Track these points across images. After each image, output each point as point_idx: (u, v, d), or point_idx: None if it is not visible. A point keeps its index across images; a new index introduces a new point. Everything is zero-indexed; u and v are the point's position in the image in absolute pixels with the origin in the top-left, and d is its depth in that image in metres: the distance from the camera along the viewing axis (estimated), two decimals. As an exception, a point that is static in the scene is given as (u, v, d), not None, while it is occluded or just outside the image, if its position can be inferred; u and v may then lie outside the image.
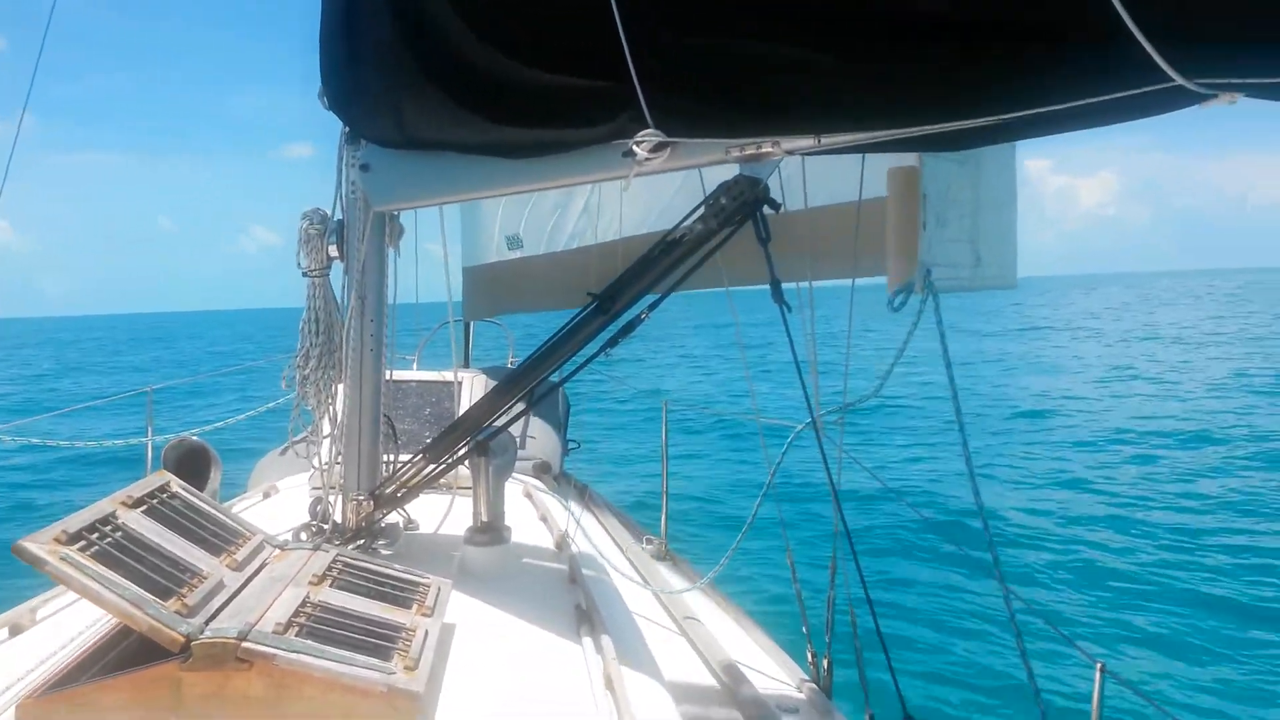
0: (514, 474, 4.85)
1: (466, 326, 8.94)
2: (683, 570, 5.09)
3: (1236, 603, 8.31)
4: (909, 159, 2.98)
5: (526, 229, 7.67)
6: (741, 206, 2.20)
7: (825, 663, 3.70)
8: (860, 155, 3.37)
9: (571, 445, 6.93)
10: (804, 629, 3.79)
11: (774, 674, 3.77)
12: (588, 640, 2.49)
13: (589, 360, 2.55)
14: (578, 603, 2.81)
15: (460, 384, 5.22)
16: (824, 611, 3.67)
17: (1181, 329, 44.20)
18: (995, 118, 1.63)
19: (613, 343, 2.44)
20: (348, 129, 3.06)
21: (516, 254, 7.88)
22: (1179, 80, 1.38)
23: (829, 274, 3.55)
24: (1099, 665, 2.13)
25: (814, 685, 3.65)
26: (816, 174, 3.49)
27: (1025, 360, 32.44)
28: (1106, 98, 1.49)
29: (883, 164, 3.27)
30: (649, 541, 5.37)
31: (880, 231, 3.22)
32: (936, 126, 1.70)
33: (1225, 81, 1.40)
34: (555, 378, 2.77)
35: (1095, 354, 35.01)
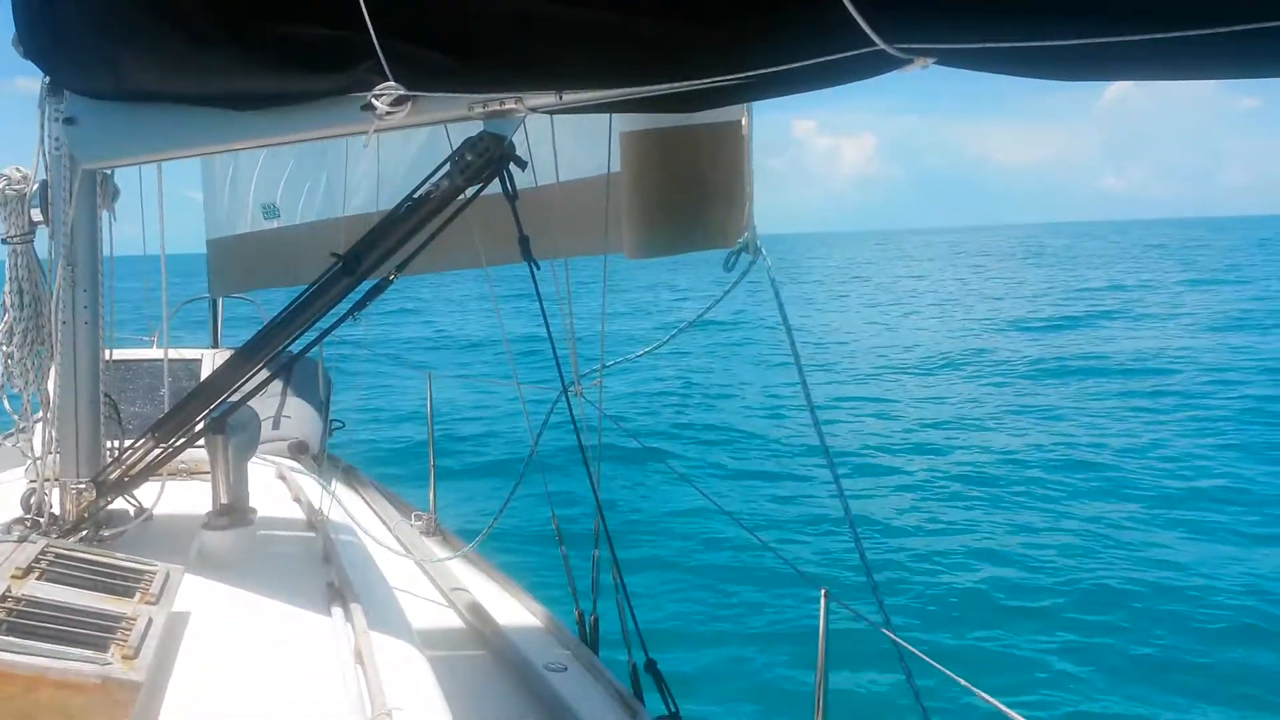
0: (267, 455, 4.60)
1: (214, 303, 8.31)
2: (452, 544, 5.03)
3: (949, 529, 9.38)
4: (734, 119, 3.07)
5: (285, 198, 7.20)
6: (488, 164, 2.18)
7: (592, 620, 3.80)
8: (609, 126, 3.45)
9: (336, 425, 6.64)
10: (571, 590, 3.87)
11: (542, 636, 3.82)
12: (338, 616, 2.41)
13: (337, 323, 2.44)
14: (330, 581, 2.71)
15: (202, 362, 4.86)
16: (590, 572, 3.76)
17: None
18: (722, 78, 1.68)
19: (361, 305, 2.36)
20: (48, 79, 2.75)
21: (274, 224, 7.39)
22: (880, 45, 1.43)
23: (585, 249, 3.59)
24: (823, 591, 2.30)
25: (581, 642, 3.74)
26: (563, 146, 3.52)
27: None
28: (818, 60, 1.55)
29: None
30: (418, 518, 5.27)
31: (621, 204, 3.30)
32: (671, 86, 1.75)
33: (922, 46, 1.45)
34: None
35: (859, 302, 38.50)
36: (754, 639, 6.96)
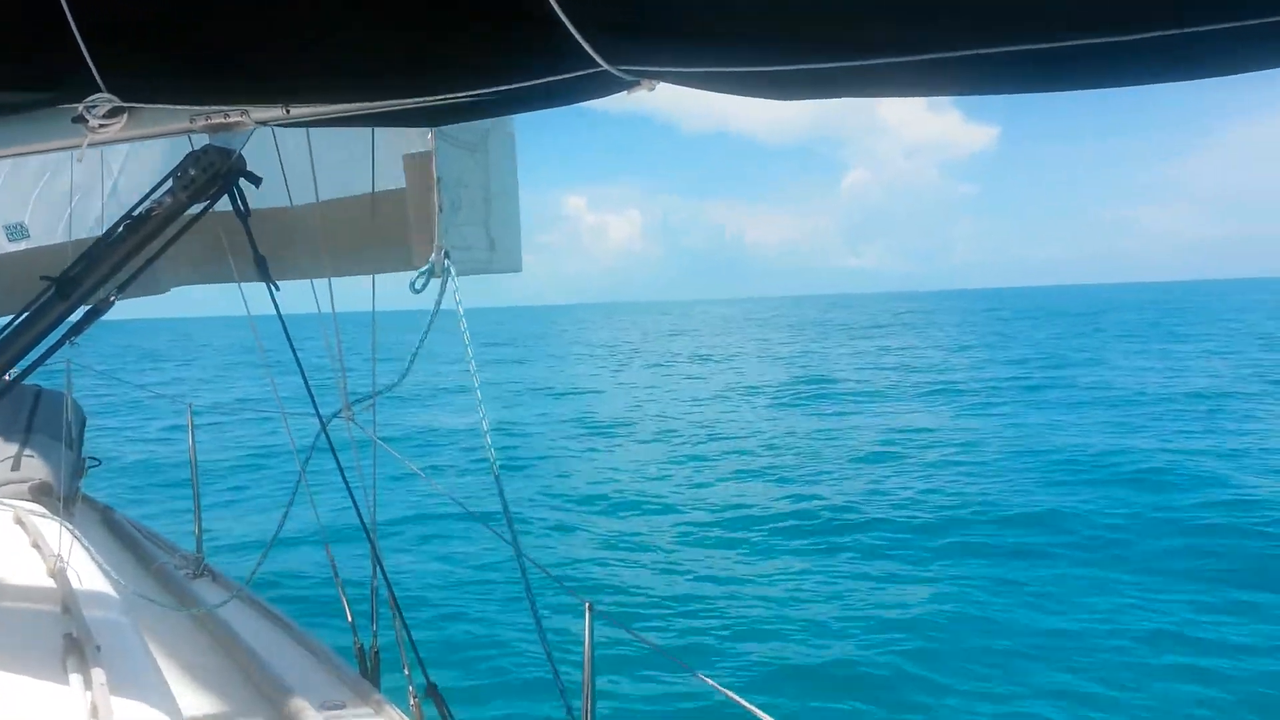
0: (5, 499, 4.17)
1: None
2: (223, 586, 4.72)
3: (703, 544, 9.86)
4: (420, 144, 3.03)
5: (34, 217, 6.54)
6: (214, 179, 2.07)
7: (372, 653, 3.67)
8: (371, 145, 3.37)
9: (90, 463, 6.09)
10: (349, 623, 3.72)
11: (320, 675, 3.65)
12: (75, 672, 2.21)
13: (50, 351, 2.24)
14: (69, 633, 2.48)
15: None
16: (369, 604, 3.63)
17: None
18: (450, 96, 1.67)
19: (77, 330, 2.18)
20: None
21: (21, 245, 6.69)
22: (605, 66, 1.44)
23: (350, 269, 3.48)
24: (587, 604, 2.34)
25: (361, 677, 3.60)
26: (332, 166, 3.41)
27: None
28: (546, 80, 1.55)
29: (398, 152, 3.29)
30: (183, 559, 4.90)
31: (400, 223, 3.24)
32: (398, 102, 1.73)
33: (646, 69, 1.47)
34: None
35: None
36: (530, 654, 7.14)
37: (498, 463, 2.51)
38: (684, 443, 17.09)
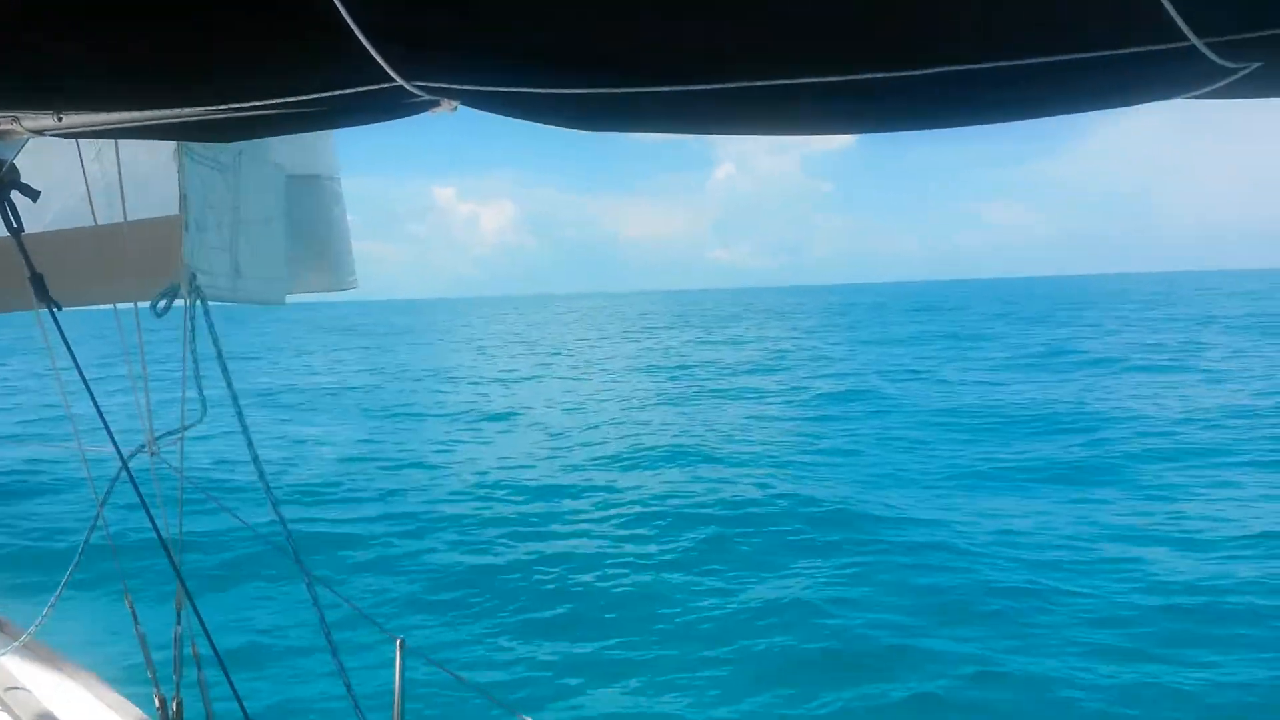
0: None
1: None
2: (10, 633, 4.34)
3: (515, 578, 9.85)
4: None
5: None
6: None
7: (175, 705, 3.45)
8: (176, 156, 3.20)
9: None
10: (150, 674, 3.49)
11: None
12: None
13: None
14: None
15: None
16: (171, 651, 3.42)
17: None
18: (232, 108, 1.59)
19: None
20: None
21: None
22: (400, 82, 1.36)
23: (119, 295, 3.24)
24: (399, 641, 2.30)
25: None
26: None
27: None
28: (337, 94, 1.46)
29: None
30: (-36, 608, 4.48)
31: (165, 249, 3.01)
32: (174, 113, 1.62)
33: (446, 87, 1.39)
34: None
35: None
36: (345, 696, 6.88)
37: (274, 492, 2.42)
38: (521, 461, 16.82)
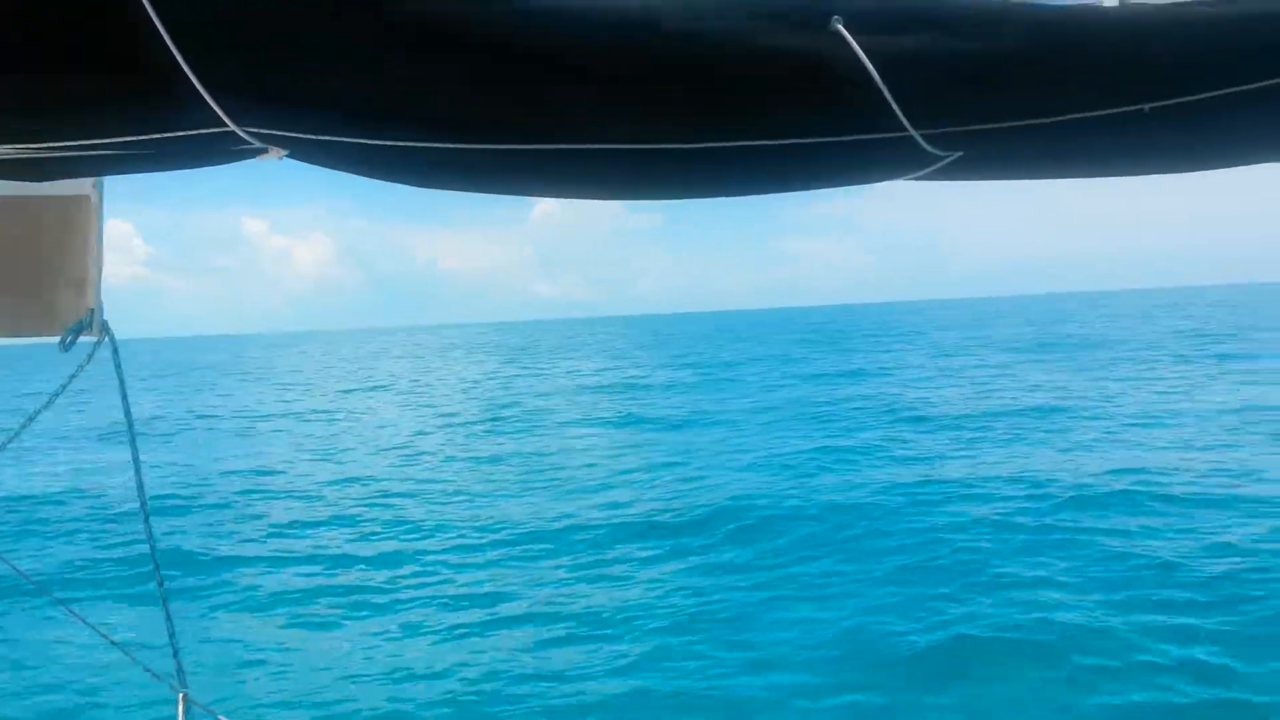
0: None
1: None
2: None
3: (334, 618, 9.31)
4: (83, 188, 2.71)
5: None
6: None
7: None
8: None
9: None
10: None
11: None
12: None
13: None
14: None
15: None
16: None
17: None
18: (48, 147, 1.54)
19: None
20: None
21: None
22: (231, 126, 1.35)
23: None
24: (181, 695, 2.32)
25: None
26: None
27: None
28: (163, 137, 1.44)
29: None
30: None
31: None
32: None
33: (277, 134, 1.39)
34: None
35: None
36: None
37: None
38: (319, 498, 15.85)
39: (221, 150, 1.46)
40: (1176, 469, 13.54)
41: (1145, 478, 13.06)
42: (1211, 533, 10.13)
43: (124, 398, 2.54)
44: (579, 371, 45.28)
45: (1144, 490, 12.34)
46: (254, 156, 1.49)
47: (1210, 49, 1.49)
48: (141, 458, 2.55)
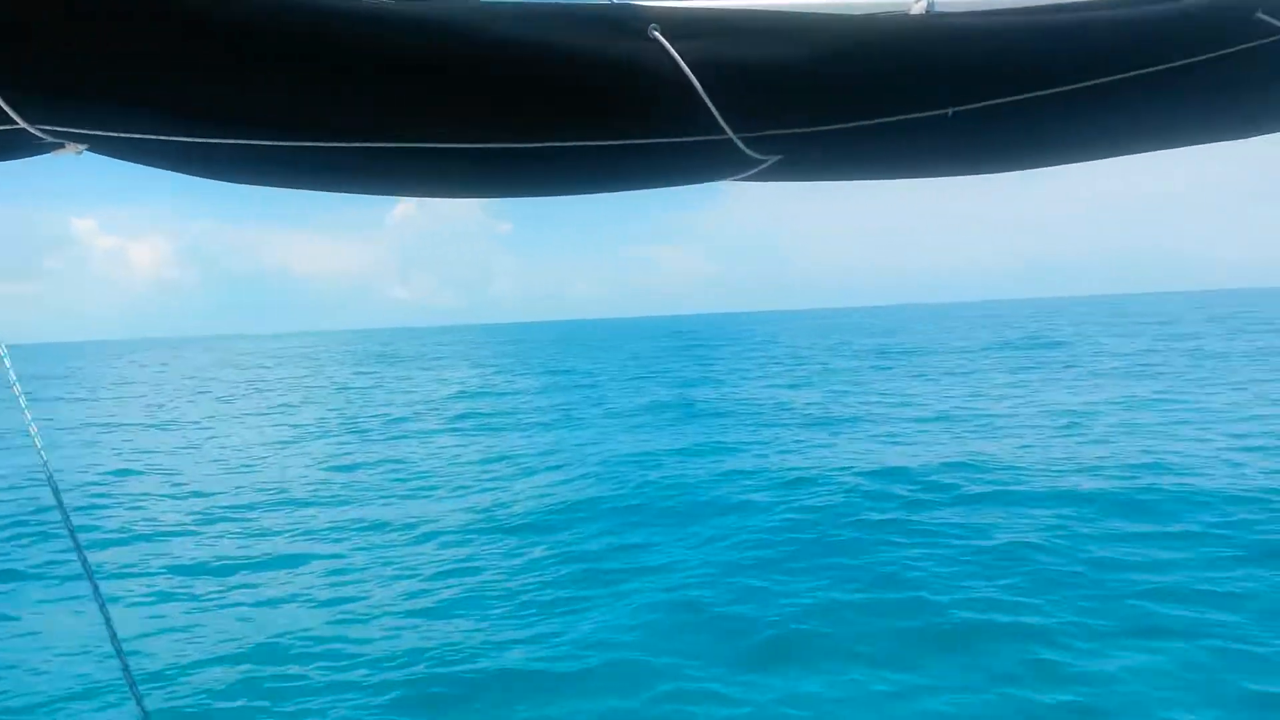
0: None
1: None
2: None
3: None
4: None
5: None
6: None
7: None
8: None
9: None
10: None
11: None
12: None
13: None
14: None
15: None
16: None
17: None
18: None
19: None
20: None
21: None
22: (21, 124, 1.33)
23: None
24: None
25: None
26: None
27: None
28: None
29: None
30: None
31: None
32: None
33: (72, 131, 1.36)
34: None
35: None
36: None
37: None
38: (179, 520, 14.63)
39: (18, 145, 1.40)
40: (1002, 463, 14.57)
41: (972, 473, 13.95)
42: (1026, 522, 10.90)
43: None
44: (440, 380, 44.15)
45: (973, 482, 13.20)
46: (49, 151, 1.44)
47: (1012, 56, 1.57)
48: None
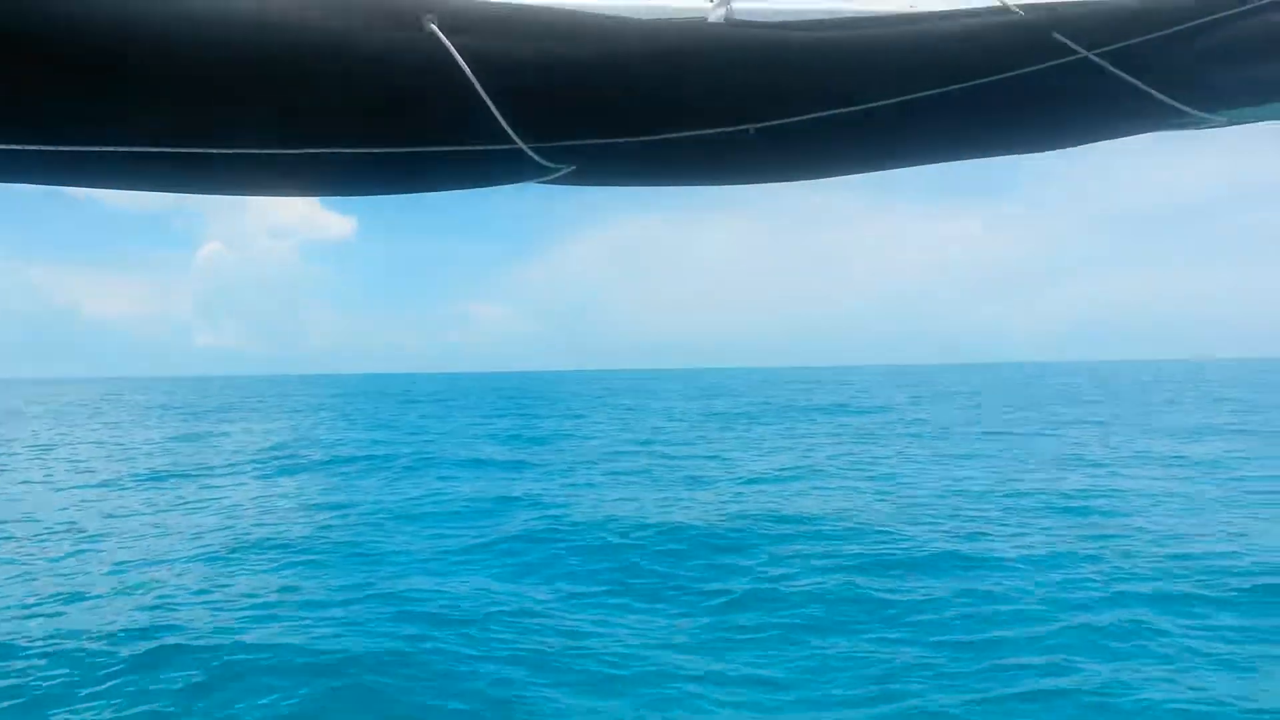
0: None
1: None
2: None
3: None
4: None
5: None
6: None
7: None
8: None
9: None
10: None
11: None
12: None
13: None
14: None
15: None
16: None
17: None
18: None
19: None
20: None
21: None
22: None
23: None
24: None
25: None
26: None
27: None
28: None
29: None
30: None
31: None
32: None
33: None
34: None
35: None
36: None
37: None
38: None
39: None
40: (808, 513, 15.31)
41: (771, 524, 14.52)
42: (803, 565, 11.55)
43: None
44: (245, 432, 41.40)
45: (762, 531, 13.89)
46: None
47: (813, 72, 1.53)
48: None
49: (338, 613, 10.10)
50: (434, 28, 1.34)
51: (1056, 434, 30.68)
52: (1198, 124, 1.82)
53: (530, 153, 1.44)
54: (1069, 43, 1.62)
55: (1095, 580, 10.48)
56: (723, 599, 10.26)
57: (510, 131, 1.39)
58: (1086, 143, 1.88)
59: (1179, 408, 44.44)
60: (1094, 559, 11.53)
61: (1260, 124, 1.85)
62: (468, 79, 1.34)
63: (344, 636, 9.14)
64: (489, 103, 1.36)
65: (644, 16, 1.53)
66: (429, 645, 8.82)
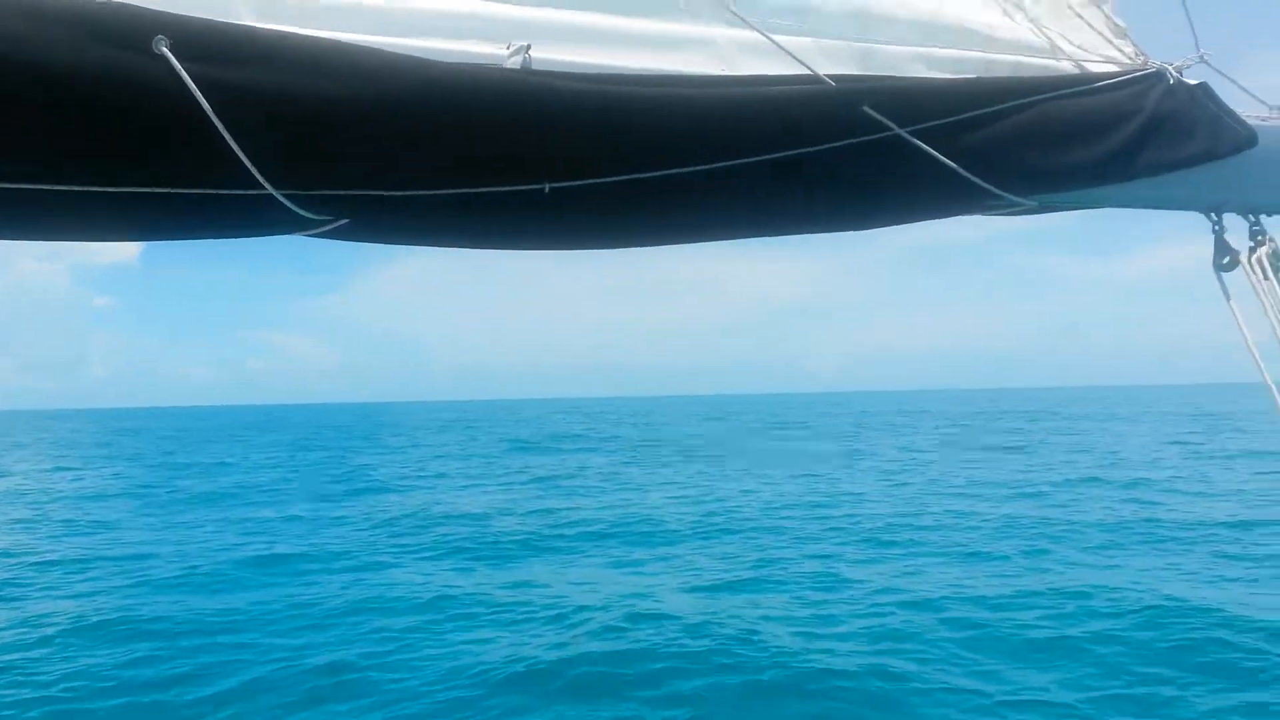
0: None
1: None
2: None
3: None
4: None
5: None
6: None
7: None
8: None
9: None
10: None
11: None
12: None
13: None
14: None
15: None
16: None
17: None
18: None
19: None
20: None
21: None
22: None
23: None
24: None
25: None
26: None
27: None
28: None
29: None
30: None
31: None
32: None
33: None
34: None
35: None
36: None
37: None
38: None
39: None
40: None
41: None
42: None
43: None
44: (16, 472, 37.52)
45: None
46: None
47: (617, 131, 1.41)
48: None
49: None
50: (165, 50, 1.13)
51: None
52: (1011, 208, 1.79)
53: (284, 200, 1.25)
54: (881, 118, 1.55)
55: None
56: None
57: (257, 175, 1.20)
58: (905, 222, 1.83)
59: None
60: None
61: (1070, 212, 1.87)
62: (203, 112, 1.15)
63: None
64: (229, 140, 1.17)
65: (428, 57, 1.34)
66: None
